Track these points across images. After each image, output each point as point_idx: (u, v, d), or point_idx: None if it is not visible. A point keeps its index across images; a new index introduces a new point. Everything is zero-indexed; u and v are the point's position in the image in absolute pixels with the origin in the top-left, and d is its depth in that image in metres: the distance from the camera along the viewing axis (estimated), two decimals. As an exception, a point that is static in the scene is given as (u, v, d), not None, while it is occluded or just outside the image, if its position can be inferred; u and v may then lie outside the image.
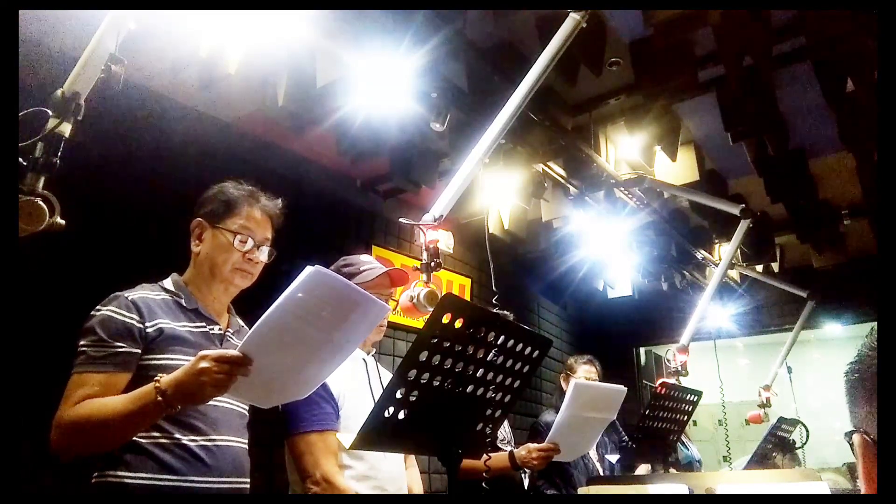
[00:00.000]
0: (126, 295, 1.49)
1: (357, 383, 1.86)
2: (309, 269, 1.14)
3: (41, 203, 1.08)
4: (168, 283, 1.61)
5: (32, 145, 1.10)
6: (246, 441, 1.60)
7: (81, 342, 1.42)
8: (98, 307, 1.46)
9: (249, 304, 1.74)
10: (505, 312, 1.34)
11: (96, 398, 1.35)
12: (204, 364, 1.21)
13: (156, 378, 1.29)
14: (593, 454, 3.34)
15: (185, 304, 1.56)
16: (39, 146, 1.10)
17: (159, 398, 1.26)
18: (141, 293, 1.51)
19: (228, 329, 1.65)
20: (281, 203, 1.72)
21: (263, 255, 1.64)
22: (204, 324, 1.57)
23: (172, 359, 1.44)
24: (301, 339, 1.23)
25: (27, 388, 1.77)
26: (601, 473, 3.22)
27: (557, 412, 2.34)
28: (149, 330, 1.45)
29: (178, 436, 1.43)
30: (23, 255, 1.13)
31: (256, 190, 1.68)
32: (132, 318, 1.44)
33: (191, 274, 1.63)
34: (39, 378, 2.03)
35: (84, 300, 1.52)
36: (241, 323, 1.73)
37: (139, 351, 1.43)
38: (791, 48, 2.62)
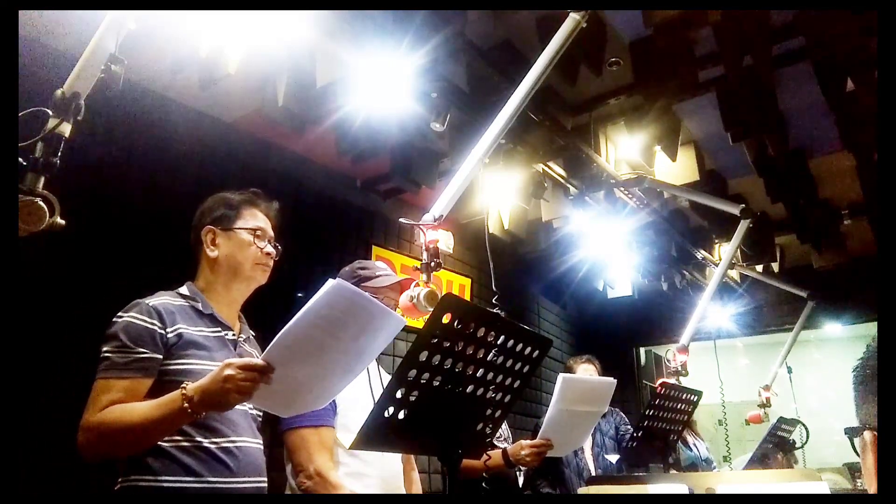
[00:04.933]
0: (147, 301, 1.52)
1: (357, 383, 1.86)
2: (331, 282, 1.17)
3: (41, 203, 1.08)
4: (184, 289, 1.65)
5: (32, 145, 1.10)
6: (261, 442, 1.64)
7: (105, 347, 1.45)
8: (120, 313, 1.49)
9: (254, 306, 1.75)
10: (498, 312, 1.34)
11: (121, 403, 1.38)
12: (229, 371, 1.25)
13: (182, 385, 1.32)
14: (588, 454, 3.33)
15: (201, 309, 1.60)
16: (39, 146, 1.11)
17: (185, 405, 1.29)
18: (161, 299, 1.55)
19: (241, 335, 1.68)
20: (277, 205, 1.80)
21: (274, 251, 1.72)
22: (219, 329, 1.61)
23: (191, 363, 1.48)
24: (321, 349, 1.26)
25: (28, 389, 1.77)
26: (593, 473, 3.21)
27: None
28: (169, 335, 1.49)
29: (199, 438, 1.45)
30: (23, 255, 1.13)
31: (255, 193, 1.76)
32: (154, 324, 1.48)
33: (206, 280, 1.67)
34: (40, 378, 2.03)
35: (84, 300, 1.52)
36: (251, 332, 1.77)
37: (160, 356, 1.46)
38: (791, 48, 2.62)
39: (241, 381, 1.24)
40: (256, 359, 1.27)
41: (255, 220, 1.70)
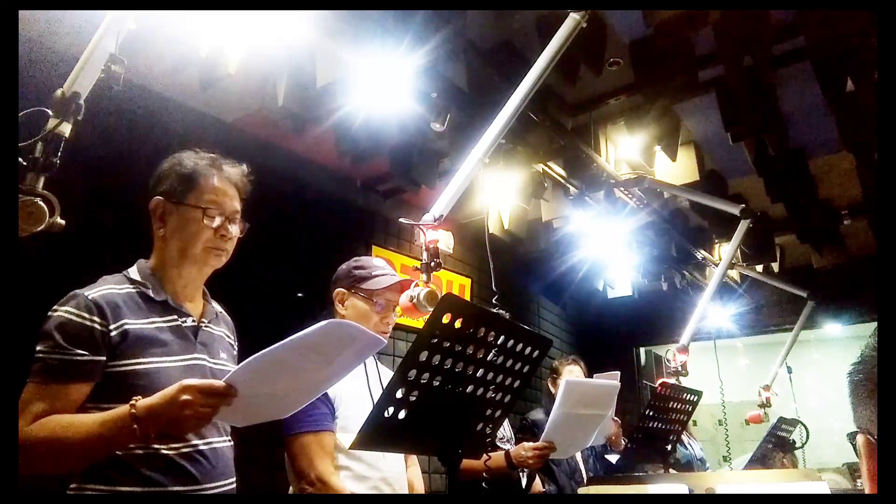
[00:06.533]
0: (86, 294, 1.32)
1: (356, 384, 1.86)
2: (327, 322, 1.13)
3: (41, 203, 1.08)
4: (133, 272, 1.45)
5: (32, 145, 1.10)
6: (229, 436, 1.50)
7: (39, 347, 1.27)
8: (55, 307, 1.30)
9: (254, 306, 1.73)
10: (502, 312, 1.34)
11: (57, 415, 1.22)
12: (187, 396, 1.13)
13: (131, 402, 1.17)
14: (578, 455, 3.31)
15: (153, 296, 1.40)
16: (39, 146, 1.11)
17: (134, 426, 1.16)
18: (104, 290, 1.35)
19: (203, 318, 1.50)
20: (246, 168, 1.57)
21: (235, 230, 1.49)
22: (175, 316, 1.42)
23: (142, 362, 1.31)
24: (292, 371, 1.21)
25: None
26: (583, 473, 3.20)
27: (545, 412, 2.33)
28: (112, 334, 1.30)
29: (156, 445, 1.29)
30: (23, 255, 1.13)
31: (217, 157, 1.53)
32: (93, 321, 1.28)
33: (158, 260, 1.47)
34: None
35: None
36: (218, 308, 1.60)
37: (103, 358, 1.28)
38: (791, 48, 2.62)
39: (202, 408, 1.13)
40: (218, 381, 1.16)
41: (213, 192, 1.45)
